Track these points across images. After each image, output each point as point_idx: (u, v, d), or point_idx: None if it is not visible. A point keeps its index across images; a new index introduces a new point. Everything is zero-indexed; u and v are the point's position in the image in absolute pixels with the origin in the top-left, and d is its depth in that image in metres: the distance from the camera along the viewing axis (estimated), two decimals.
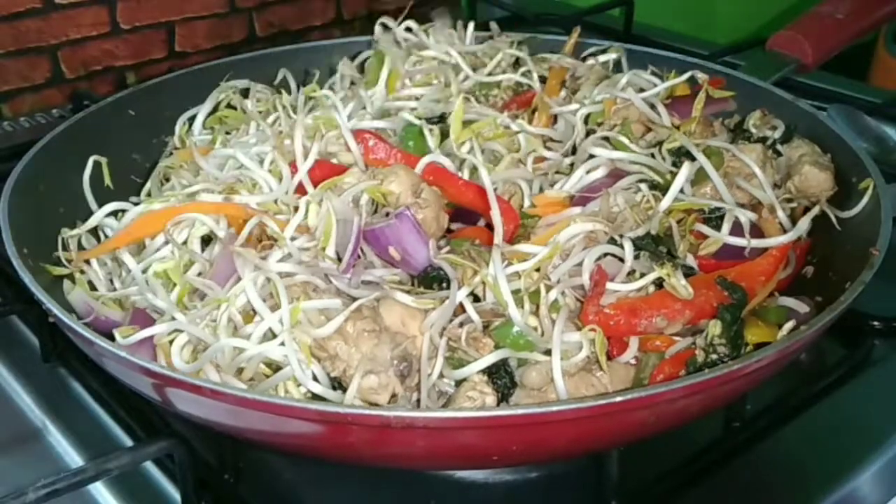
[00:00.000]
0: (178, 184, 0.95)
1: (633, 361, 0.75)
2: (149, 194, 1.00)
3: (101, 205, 0.94)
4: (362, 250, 0.79)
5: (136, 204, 0.91)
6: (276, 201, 0.85)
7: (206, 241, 0.84)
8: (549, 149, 0.95)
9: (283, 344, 0.70)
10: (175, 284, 0.80)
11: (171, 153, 1.03)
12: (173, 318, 0.75)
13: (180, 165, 0.98)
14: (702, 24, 2.14)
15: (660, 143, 0.91)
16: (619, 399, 0.63)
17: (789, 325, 0.76)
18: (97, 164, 0.97)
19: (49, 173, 0.94)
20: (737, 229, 0.83)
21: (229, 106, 1.08)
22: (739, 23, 2.19)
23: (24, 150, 0.94)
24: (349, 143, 0.89)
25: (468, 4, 1.79)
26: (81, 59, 1.46)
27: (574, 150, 0.94)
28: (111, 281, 0.86)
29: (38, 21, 1.39)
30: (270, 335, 0.71)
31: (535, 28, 1.64)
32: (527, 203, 0.87)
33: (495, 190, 0.84)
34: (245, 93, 1.10)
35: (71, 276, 0.86)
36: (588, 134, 0.94)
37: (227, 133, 1.03)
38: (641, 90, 0.99)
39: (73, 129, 1.00)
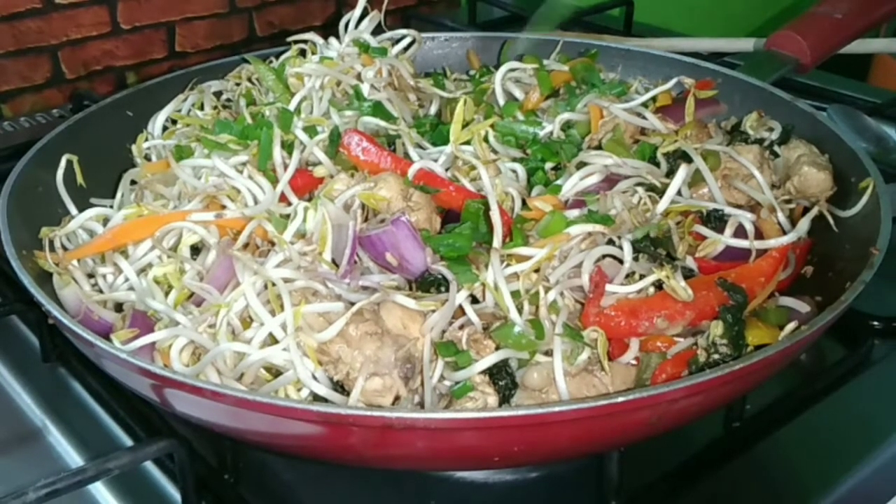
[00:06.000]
0: (149, 193, 0.91)
1: (633, 362, 0.75)
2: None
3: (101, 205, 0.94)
4: (358, 256, 0.79)
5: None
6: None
7: (195, 250, 0.83)
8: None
9: (286, 349, 0.69)
10: (170, 289, 0.79)
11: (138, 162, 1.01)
12: (175, 324, 0.75)
13: (151, 175, 0.94)
14: (701, 23, 2.14)
15: (653, 149, 0.91)
16: (621, 399, 0.63)
17: (791, 325, 0.76)
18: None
19: (48, 174, 0.93)
20: (738, 232, 0.83)
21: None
22: (739, 23, 2.19)
23: (24, 150, 0.94)
24: (319, 157, 0.89)
25: (468, 4, 1.79)
26: (81, 59, 1.45)
27: None
28: (93, 283, 0.85)
29: (39, 21, 1.39)
30: (270, 339, 0.71)
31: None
32: (517, 209, 0.87)
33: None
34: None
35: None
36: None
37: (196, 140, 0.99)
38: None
39: (73, 129, 1.00)
